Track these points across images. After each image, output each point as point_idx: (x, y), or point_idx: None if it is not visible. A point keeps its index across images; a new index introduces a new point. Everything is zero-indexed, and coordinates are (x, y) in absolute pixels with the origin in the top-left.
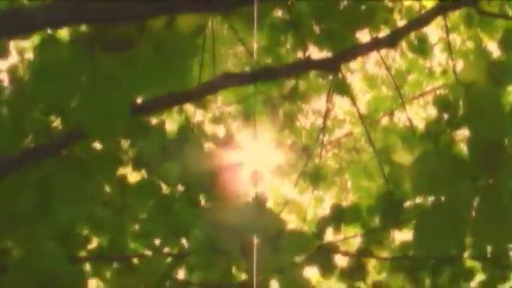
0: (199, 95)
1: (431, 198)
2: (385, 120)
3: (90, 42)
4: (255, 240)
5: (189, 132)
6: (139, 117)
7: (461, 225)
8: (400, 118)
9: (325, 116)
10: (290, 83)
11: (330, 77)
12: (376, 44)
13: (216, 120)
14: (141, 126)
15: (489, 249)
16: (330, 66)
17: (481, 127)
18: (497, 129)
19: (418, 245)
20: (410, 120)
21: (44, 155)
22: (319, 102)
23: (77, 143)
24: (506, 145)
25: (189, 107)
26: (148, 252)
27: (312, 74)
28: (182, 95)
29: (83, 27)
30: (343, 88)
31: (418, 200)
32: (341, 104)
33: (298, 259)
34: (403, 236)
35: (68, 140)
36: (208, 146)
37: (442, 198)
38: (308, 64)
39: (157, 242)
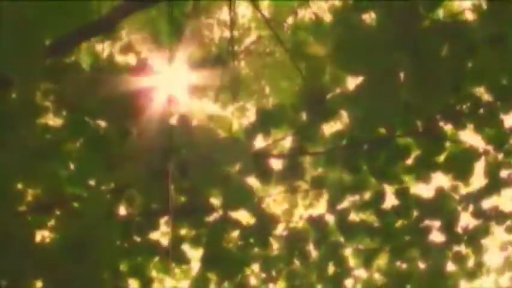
0: (109, 24)
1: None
2: (290, 20)
3: None
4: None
5: (103, 66)
6: (55, 58)
7: (392, 93)
8: (305, 15)
9: (231, 26)
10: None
11: None
12: None
13: (126, 50)
14: (58, 68)
15: (419, 123)
16: None
17: None
18: None
19: (357, 125)
20: (316, 14)
21: None
22: (222, 15)
23: None
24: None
25: (97, 46)
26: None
27: None
28: (92, 27)
29: None
30: None
31: (340, 89)
32: (244, 13)
33: (234, 170)
34: (331, 127)
35: None
36: (123, 76)
37: (370, 72)
38: None
39: (92, 183)
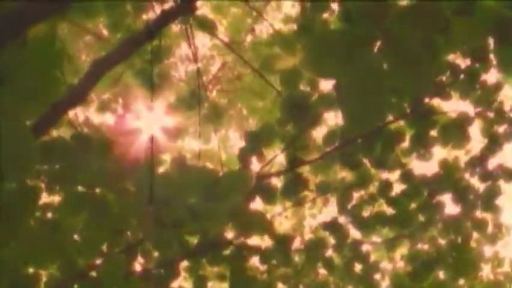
0: (84, 91)
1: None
2: (249, 38)
3: None
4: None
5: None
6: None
7: (379, 85)
8: (262, 30)
9: (194, 59)
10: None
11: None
12: None
13: (100, 109)
14: (44, 147)
15: (406, 105)
16: (186, 9)
17: None
18: None
19: (349, 121)
20: (272, 26)
21: None
22: (183, 51)
23: None
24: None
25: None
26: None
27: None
28: (69, 99)
29: None
30: (207, 23)
31: (318, 91)
32: (203, 42)
33: (239, 199)
34: (321, 131)
35: None
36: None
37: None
38: (166, 17)
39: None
